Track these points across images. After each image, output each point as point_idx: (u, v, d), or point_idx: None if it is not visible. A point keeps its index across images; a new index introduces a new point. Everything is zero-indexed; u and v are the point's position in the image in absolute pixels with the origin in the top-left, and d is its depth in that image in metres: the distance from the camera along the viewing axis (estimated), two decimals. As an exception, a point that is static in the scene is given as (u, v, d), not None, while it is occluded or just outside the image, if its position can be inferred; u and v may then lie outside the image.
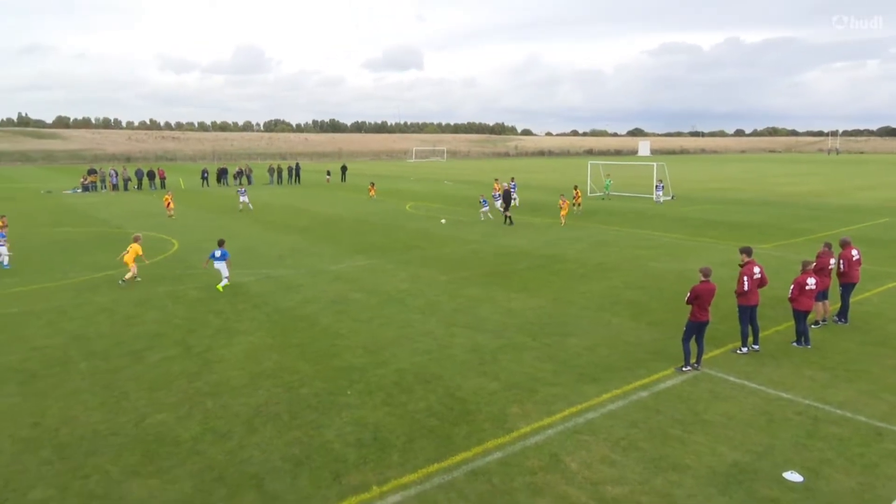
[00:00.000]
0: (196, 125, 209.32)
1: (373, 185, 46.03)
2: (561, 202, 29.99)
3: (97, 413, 9.55)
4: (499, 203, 31.69)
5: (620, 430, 8.88)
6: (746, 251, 11.99)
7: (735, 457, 8.10)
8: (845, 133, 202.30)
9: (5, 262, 20.43)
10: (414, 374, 10.99)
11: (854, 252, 13.80)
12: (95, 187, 51.27)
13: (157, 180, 52.97)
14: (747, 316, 11.85)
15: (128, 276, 17.79)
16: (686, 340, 11.14)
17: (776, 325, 13.37)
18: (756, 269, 11.78)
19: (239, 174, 54.82)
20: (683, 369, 11.11)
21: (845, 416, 9.22)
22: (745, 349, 11.87)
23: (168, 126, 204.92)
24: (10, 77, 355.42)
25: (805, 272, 11.95)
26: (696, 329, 11.08)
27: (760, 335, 12.13)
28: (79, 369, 11.36)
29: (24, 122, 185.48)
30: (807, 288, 11.90)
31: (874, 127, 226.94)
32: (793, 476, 7.61)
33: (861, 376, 10.71)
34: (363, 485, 7.57)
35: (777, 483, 7.50)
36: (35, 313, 14.96)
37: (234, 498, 7.34)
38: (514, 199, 34.10)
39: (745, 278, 11.62)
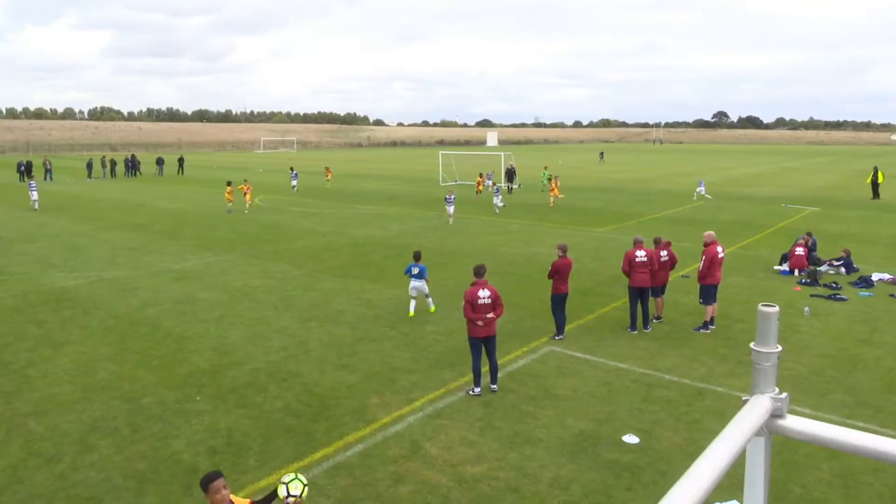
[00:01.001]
0: (4, 112, 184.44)
1: (328, 169, 46.32)
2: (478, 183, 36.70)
3: None
4: (494, 194, 31.08)
5: (477, 411, 9.19)
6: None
7: (581, 426, 8.72)
8: (667, 125, 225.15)
9: None
10: (269, 373, 10.58)
11: (640, 253, 12.69)
12: None
13: None
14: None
15: None
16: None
17: (613, 302, 14.54)
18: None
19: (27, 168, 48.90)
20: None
21: (673, 381, 10.27)
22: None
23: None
24: None
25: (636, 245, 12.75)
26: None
27: (598, 313, 13.11)
28: None
29: None
30: (637, 261, 12.51)
31: (691, 119, 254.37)
32: (630, 438, 8.34)
33: (684, 344, 11.97)
34: (217, 494, 7.15)
35: (617, 446, 8.18)
36: None
37: (66, 526, 6.62)
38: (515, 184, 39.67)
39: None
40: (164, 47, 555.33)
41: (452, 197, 26.52)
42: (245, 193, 30.58)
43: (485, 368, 9.87)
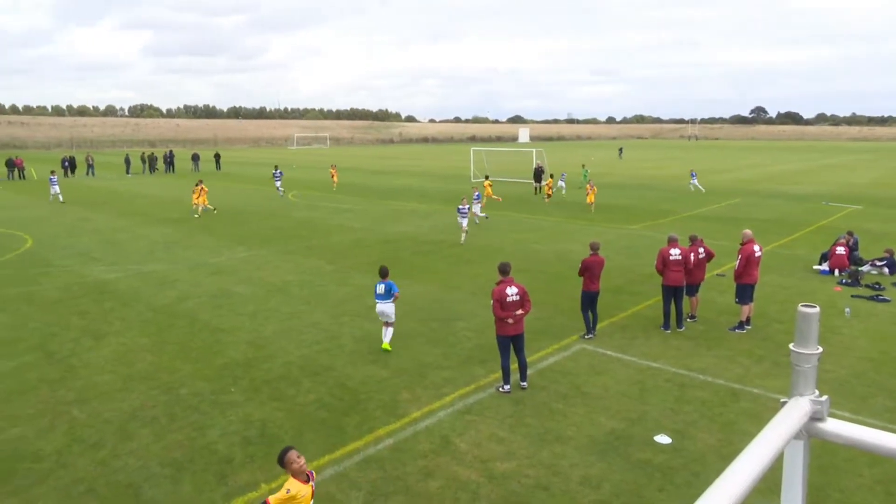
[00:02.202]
0: (49, 109, 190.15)
1: (334, 167, 41.25)
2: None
3: (-61, 432, 8.50)
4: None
5: (507, 408, 9.19)
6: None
7: (612, 425, 8.64)
8: (702, 121, 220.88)
9: None
10: (301, 366, 10.74)
11: (675, 251, 12.41)
12: None
13: (16, 170, 47.84)
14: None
15: None
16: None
17: (646, 300, 14.36)
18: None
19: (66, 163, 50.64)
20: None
21: (707, 381, 10.11)
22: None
23: (14, 109, 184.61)
24: None
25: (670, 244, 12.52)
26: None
27: (631, 311, 12.97)
28: (-86, 385, 10.05)
29: None
30: (671, 259, 12.27)
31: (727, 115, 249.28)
32: (662, 438, 8.24)
33: (719, 344, 11.77)
34: (251, 483, 7.32)
35: (649, 446, 8.09)
36: None
37: (107, 511, 6.83)
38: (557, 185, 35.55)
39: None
40: (202, 46, 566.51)
41: (467, 208, 22.01)
42: (198, 196, 27.80)
43: (513, 366, 9.86)
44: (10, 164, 48.14)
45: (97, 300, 14.71)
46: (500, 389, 9.69)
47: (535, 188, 36.96)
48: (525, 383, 9.84)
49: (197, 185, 28.80)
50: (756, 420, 8.74)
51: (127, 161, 54.35)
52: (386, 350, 11.28)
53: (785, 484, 1.72)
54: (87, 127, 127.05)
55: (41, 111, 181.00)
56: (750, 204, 31.72)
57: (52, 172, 35.83)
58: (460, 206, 21.98)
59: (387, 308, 11.17)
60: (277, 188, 35.68)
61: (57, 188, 33.02)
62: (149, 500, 7.03)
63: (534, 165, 39.10)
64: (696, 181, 37.79)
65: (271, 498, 5.22)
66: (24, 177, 47.87)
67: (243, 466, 7.67)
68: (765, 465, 1.42)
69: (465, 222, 21.85)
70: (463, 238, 21.64)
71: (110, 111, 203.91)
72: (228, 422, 8.79)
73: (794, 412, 1.63)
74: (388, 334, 11.39)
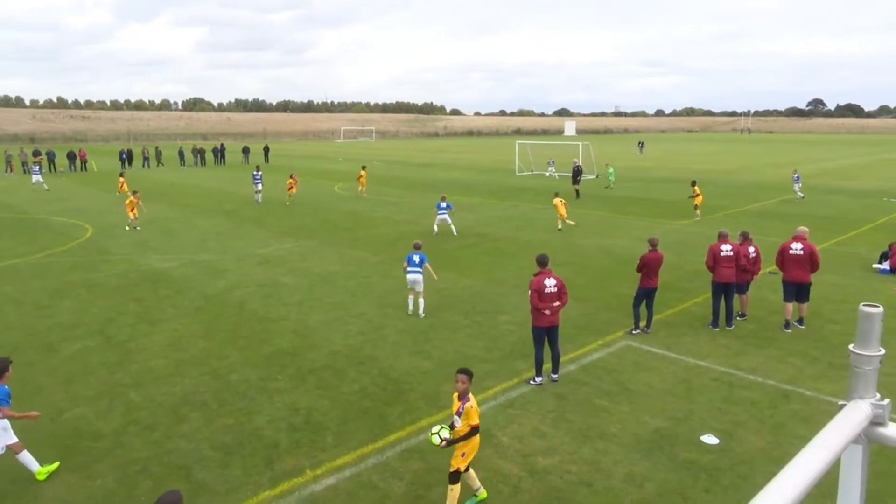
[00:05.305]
0: (108, 103, 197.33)
1: (364, 168, 34.52)
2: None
3: (7, 410, 8.97)
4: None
5: (550, 403, 9.14)
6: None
7: (657, 423, 8.51)
8: (756, 113, 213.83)
9: None
10: (346, 356, 10.91)
11: (726, 247, 12.01)
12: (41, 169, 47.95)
13: (78, 162, 49.99)
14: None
15: None
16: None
17: (694, 297, 14.05)
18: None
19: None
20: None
21: (757, 381, 9.83)
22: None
23: (77, 104, 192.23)
24: None
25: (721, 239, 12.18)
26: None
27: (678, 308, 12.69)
28: (-16, 364, 10.62)
29: None
30: (721, 255, 11.94)
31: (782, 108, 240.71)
32: (709, 439, 8.07)
33: (770, 343, 11.43)
34: (297, 469, 7.49)
35: (695, 446, 7.94)
36: (-68, 306, 13.85)
37: (160, 490, 7.08)
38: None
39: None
40: (253, 42, 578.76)
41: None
42: (132, 208, 23.10)
43: (547, 365, 9.80)
44: (72, 157, 50.27)
45: (152, 288, 15.25)
46: (532, 382, 9.69)
47: (576, 192, 31.51)
48: (556, 375, 9.81)
49: (291, 177, 31.03)
50: (808, 423, 8.47)
51: (181, 154, 56.09)
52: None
53: (842, 489, 1.68)
54: (143, 120, 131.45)
55: (101, 106, 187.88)
56: (806, 200, 30.60)
57: (36, 163, 39.78)
58: (442, 204, 21.85)
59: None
60: (256, 193, 30.13)
61: (39, 177, 36.99)
62: (199, 481, 7.27)
63: (573, 165, 34.16)
64: (798, 186, 31.61)
65: (472, 401, 6.50)
66: (85, 168, 49.92)
67: (289, 452, 7.85)
68: (822, 469, 1.39)
69: (444, 217, 21.73)
70: (436, 230, 22.08)
71: (165, 105, 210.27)
72: (275, 408, 9.01)
73: (853, 415, 1.59)
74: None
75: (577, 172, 32.74)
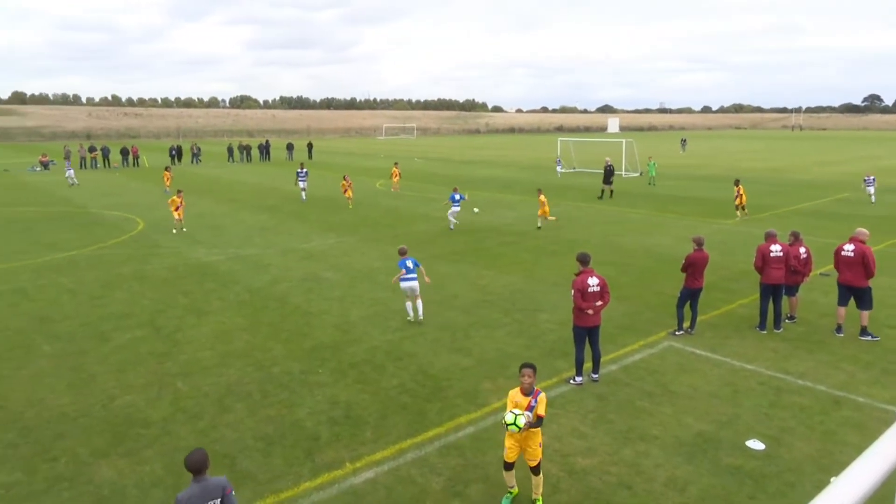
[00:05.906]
0: (159, 101, 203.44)
1: (396, 165, 34.90)
2: None
3: (64, 395, 9.37)
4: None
5: (590, 403, 9.05)
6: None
7: (700, 427, 8.33)
8: (808, 110, 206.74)
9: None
10: (386, 351, 11.01)
11: (775, 247, 11.76)
12: (96, 164, 50.21)
13: (131, 157, 51.87)
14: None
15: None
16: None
17: (740, 298, 13.69)
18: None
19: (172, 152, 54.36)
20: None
21: (806, 386, 9.53)
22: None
23: (130, 102, 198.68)
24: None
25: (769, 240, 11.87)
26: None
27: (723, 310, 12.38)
28: (43, 352, 11.10)
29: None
30: (771, 256, 11.64)
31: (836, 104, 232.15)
32: (755, 444, 7.86)
33: (820, 348, 11.06)
34: (336, 461, 7.60)
35: (740, 451, 7.74)
36: (-6, 295, 14.54)
37: (206, 478, 7.30)
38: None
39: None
40: (298, 40, 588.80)
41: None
42: (175, 207, 21.84)
43: (587, 364, 9.68)
44: (125, 153, 52.13)
45: (199, 281, 15.67)
46: (572, 381, 9.60)
47: (604, 190, 30.37)
48: (596, 375, 9.70)
49: (344, 178, 28.75)
50: (861, 431, 8.17)
51: (229, 150, 57.46)
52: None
53: (898, 500, 1.61)
54: (192, 118, 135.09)
55: (152, 103, 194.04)
56: (861, 199, 29.46)
57: (67, 159, 42.44)
58: (456, 195, 22.13)
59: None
60: (302, 191, 30.59)
61: (71, 172, 37.84)
62: (243, 470, 7.45)
63: (605, 164, 30.90)
64: (872, 189, 28.91)
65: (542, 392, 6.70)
66: (137, 164, 51.63)
67: (329, 445, 7.97)
68: (878, 479, 1.34)
69: (457, 209, 22.10)
70: (452, 226, 22.26)
71: (213, 103, 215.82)
72: (316, 401, 9.16)
73: (911, 424, 1.52)
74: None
75: (609, 172, 30.34)
